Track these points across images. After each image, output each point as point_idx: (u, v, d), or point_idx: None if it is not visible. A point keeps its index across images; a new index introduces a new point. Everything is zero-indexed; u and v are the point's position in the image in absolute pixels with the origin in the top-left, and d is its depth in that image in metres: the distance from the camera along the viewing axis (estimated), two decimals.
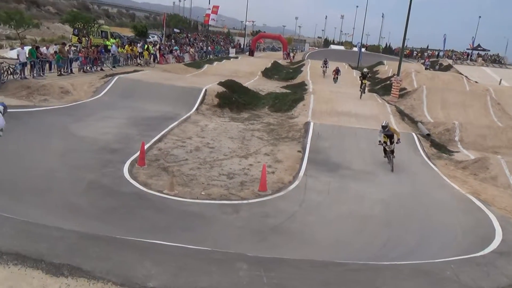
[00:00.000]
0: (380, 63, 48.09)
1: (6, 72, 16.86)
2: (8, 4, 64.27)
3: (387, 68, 41.58)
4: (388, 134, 12.24)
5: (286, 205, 9.06)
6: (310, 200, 9.44)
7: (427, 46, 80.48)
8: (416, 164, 12.90)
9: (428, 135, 16.82)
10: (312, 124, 15.82)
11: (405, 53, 49.58)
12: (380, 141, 12.35)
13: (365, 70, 24.96)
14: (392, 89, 25.44)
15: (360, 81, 23.08)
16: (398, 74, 26.15)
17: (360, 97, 22.56)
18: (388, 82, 29.81)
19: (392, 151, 12.28)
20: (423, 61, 54.22)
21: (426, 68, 42.74)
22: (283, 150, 13.19)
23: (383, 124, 12.37)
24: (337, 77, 29.98)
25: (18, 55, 18.24)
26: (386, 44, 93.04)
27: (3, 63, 17.37)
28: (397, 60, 28.34)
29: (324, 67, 33.77)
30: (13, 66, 17.42)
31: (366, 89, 23.88)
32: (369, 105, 21.26)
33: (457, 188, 10.79)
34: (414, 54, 68.73)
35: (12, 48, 27.02)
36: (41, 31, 46.30)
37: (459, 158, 14.12)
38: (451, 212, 9.19)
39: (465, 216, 8.95)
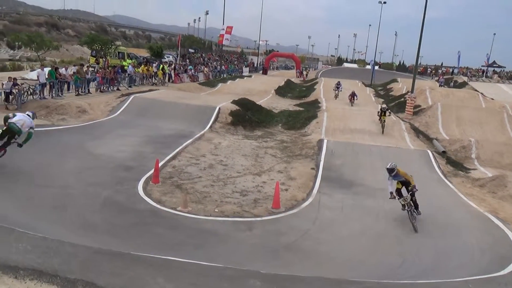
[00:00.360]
0: (394, 80, 47.89)
1: (26, 93, 17.34)
2: (29, 27, 66.64)
3: (401, 85, 41.41)
4: (401, 180, 9.53)
5: (299, 222, 8.98)
6: (324, 218, 9.35)
7: (441, 63, 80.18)
8: (432, 182, 12.69)
9: (444, 152, 16.59)
10: (325, 141, 15.80)
11: (419, 70, 49.49)
12: (391, 193, 9.41)
13: (384, 106, 21.66)
14: (407, 106, 25.31)
15: (378, 117, 20.10)
16: (412, 91, 26.04)
17: (382, 132, 19.26)
18: (402, 99, 29.72)
19: (413, 204, 9.31)
20: (437, 78, 53.84)
21: (440, 85, 42.39)
22: (296, 168, 13.15)
23: (389, 167, 9.37)
24: (353, 101, 27.25)
25: (38, 76, 18.80)
26: (400, 62, 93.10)
27: (23, 84, 17.88)
28: (411, 77, 28.32)
29: (336, 90, 30.85)
30: (33, 87, 17.95)
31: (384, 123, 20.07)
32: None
33: (475, 206, 10.57)
34: (429, 72, 68.40)
35: (32, 70, 27.88)
36: (61, 53, 47.79)
37: (476, 176, 13.86)
38: (469, 231, 8.99)
39: (483, 235, 8.75)
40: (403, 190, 9.58)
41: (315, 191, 10.96)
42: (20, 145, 10.01)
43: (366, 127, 19.43)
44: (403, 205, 9.36)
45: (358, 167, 13.46)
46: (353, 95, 27.43)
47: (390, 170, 9.38)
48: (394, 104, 30.13)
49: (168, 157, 12.76)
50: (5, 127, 9.97)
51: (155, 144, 14.30)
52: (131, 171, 11.22)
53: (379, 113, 19.97)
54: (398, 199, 9.45)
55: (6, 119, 10.11)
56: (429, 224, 9.36)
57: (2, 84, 16.70)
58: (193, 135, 16.12)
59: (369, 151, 15.09)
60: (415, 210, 9.34)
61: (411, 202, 9.31)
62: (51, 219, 7.71)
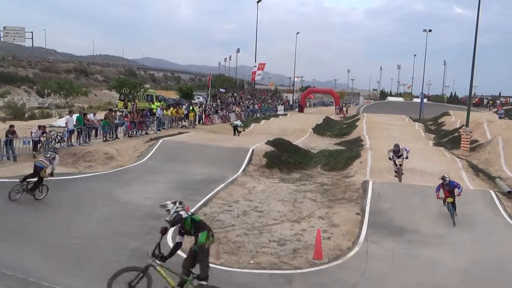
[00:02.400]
0: (446, 113, 46.99)
1: (54, 140, 18.32)
2: (58, 74, 71.46)
3: (454, 118, 40.68)
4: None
5: (345, 275, 8.74)
6: (373, 269, 9.05)
7: (499, 93, 78.19)
8: (498, 227, 12.08)
9: (510, 192, 15.85)
10: (371, 183, 15.52)
11: (474, 101, 48.60)
12: (391, 158, 14.46)
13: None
14: (462, 142, 24.66)
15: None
16: (467, 125, 25.42)
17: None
18: (456, 134, 29.15)
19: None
20: (495, 109, 52.44)
21: (500, 117, 41.19)
22: (339, 213, 12.93)
23: (394, 149, 12.41)
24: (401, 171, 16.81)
25: (66, 123, 19.91)
26: (451, 93, 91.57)
27: (51, 131, 18.94)
28: (465, 109, 27.75)
29: (394, 158, 16.60)
30: (61, 134, 18.95)
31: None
32: (435, 161, 20.62)
33: None
34: (485, 103, 66.73)
35: (60, 117, 29.59)
36: (89, 98, 50.61)
37: None
38: None
39: None
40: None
41: (361, 239, 10.68)
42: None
43: (416, 166, 18.99)
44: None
45: (410, 211, 13.06)
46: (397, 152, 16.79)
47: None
48: (448, 140, 29.58)
49: (198, 204, 12.86)
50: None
51: (185, 190, 14.48)
52: (160, 219, 11.12)
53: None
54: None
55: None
56: (499, 277, 8.85)
57: (31, 133, 17.76)
58: (225, 179, 16.22)
59: (421, 192, 14.61)
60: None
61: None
62: (75, 272, 7.84)
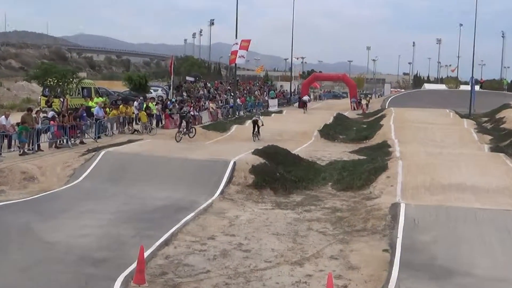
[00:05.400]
0: (507, 106, 47.47)
1: None
2: None
3: None
4: None
5: None
6: None
7: None
8: None
9: None
10: (403, 206, 15.47)
11: None
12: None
13: None
14: None
15: None
16: None
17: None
18: None
19: None
20: None
21: None
22: (359, 250, 12.83)
23: None
24: None
25: None
26: None
27: None
28: None
29: None
30: None
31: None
32: (493, 172, 20.67)
33: None
34: None
35: None
36: (0, 93, 50.04)
37: None
38: None
39: None
40: None
41: (392, 286, 10.51)
42: None
43: (466, 181, 19.06)
44: None
45: (459, 244, 12.98)
46: None
47: None
48: (510, 143, 29.72)
49: (158, 243, 12.65)
50: None
51: (138, 223, 14.28)
52: (102, 265, 11.16)
53: None
54: None
55: None
56: None
57: None
58: (196, 206, 16.06)
59: (474, 218, 14.60)
60: None
61: None
62: None
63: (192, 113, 35.50)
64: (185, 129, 28.40)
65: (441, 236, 13.41)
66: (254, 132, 31.09)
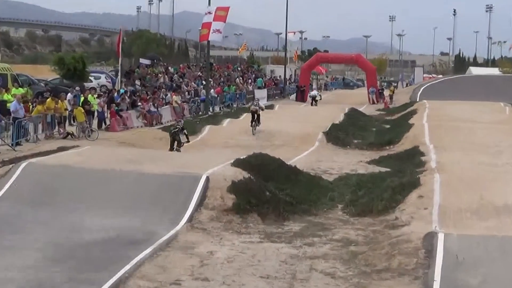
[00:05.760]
0: None
1: None
2: None
3: None
4: None
5: None
6: None
7: None
8: None
9: None
10: (442, 237, 14.20)
11: None
12: None
13: None
14: None
15: None
16: None
17: None
18: None
19: None
20: None
21: None
22: None
23: None
24: None
25: None
26: None
27: None
28: None
29: None
30: None
31: None
32: None
33: None
34: None
35: None
36: None
37: None
38: None
39: None
40: None
41: None
42: None
43: None
44: None
45: None
46: None
47: None
48: None
49: None
50: None
51: (72, 262, 12.88)
52: None
53: None
54: None
55: None
56: None
57: None
58: (154, 238, 14.67)
59: None
60: None
61: None
62: None
63: (151, 108, 33.56)
64: (176, 148, 26.38)
65: (493, 277, 12.56)
66: (253, 123, 30.62)
